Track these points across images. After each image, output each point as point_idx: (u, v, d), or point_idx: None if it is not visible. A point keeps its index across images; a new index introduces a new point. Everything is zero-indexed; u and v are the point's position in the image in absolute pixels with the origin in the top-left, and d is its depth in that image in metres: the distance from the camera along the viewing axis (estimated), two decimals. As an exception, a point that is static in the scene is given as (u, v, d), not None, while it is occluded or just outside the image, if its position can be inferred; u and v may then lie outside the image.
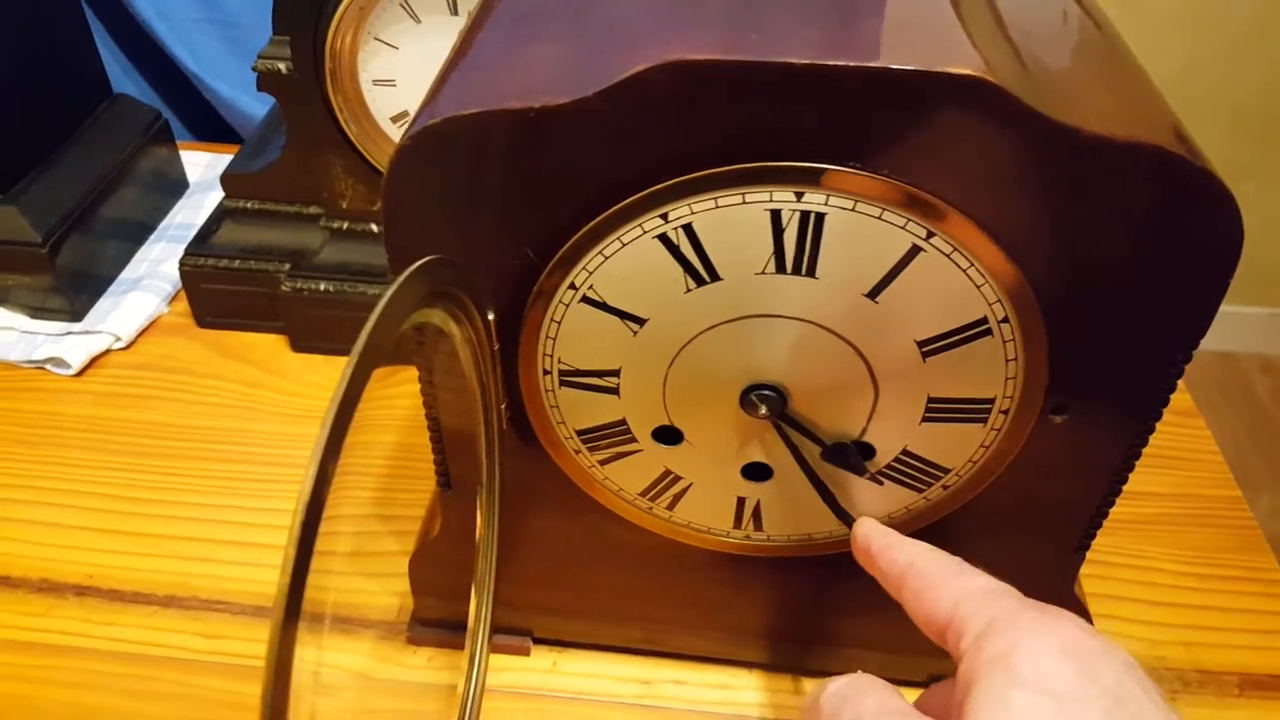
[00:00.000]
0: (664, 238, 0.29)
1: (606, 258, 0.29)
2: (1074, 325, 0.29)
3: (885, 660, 0.38)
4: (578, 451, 0.34)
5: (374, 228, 0.55)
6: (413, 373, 0.33)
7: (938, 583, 0.27)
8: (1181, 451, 0.52)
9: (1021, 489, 0.34)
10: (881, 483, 0.34)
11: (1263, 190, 1.40)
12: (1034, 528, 0.35)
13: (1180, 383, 0.31)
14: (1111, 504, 0.35)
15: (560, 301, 0.30)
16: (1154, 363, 0.30)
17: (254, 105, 0.75)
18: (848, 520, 0.33)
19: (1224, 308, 0.29)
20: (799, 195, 0.27)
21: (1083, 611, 0.38)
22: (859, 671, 0.27)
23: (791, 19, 0.28)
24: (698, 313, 0.30)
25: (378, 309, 0.21)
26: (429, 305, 0.25)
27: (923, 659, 0.38)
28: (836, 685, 0.26)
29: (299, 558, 0.18)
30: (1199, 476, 0.51)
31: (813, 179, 0.27)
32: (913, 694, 0.29)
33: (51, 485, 0.49)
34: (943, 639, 0.26)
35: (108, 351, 0.57)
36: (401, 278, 0.22)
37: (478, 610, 0.34)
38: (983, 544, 0.36)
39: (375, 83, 0.49)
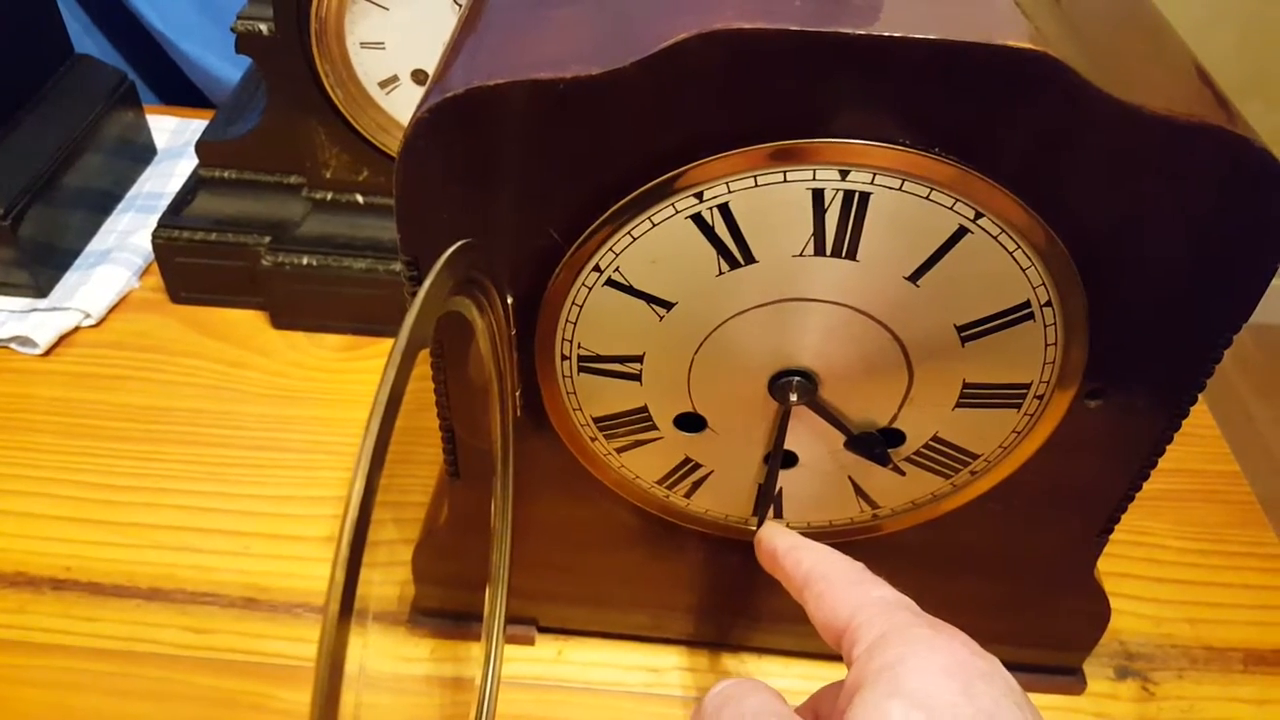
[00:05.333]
0: (698, 218, 0.27)
1: (635, 239, 0.28)
2: (1118, 309, 0.29)
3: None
4: (594, 439, 0.33)
5: (359, 199, 0.52)
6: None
7: (838, 589, 0.27)
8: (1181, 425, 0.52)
9: (1050, 473, 0.33)
10: (904, 473, 0.33)
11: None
12: (1059, 512, 0.35)
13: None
14: (1139, 488, 0.34)
15: (583, 284, 0.29)
16: (1196, 346, 0.30)
17: (224, 67, 0.72)
18: (762, 520, 0.33)
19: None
20: (844, 174, 0.26)
21: (1100, 595, 0.38)
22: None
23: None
24: (729, 297, 0.29)
25: (416, 302, 0.19)
26: (457, 294, 0.23)
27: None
28: (722, 685, 0.27)
29: (351, 556, 0.17)
30: (1198, 451, 0.51)
31: (859, 157, 0.26)
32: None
33: (23, 472, 0.46)
34: (839, 645, 0.26)
35: (77, 329, 0.54)
36: (437, 267, 0.20)
37: (492, 604, 0.33)
38: (1006, 529, 0.35)
39: (363, 45, 0.46)
